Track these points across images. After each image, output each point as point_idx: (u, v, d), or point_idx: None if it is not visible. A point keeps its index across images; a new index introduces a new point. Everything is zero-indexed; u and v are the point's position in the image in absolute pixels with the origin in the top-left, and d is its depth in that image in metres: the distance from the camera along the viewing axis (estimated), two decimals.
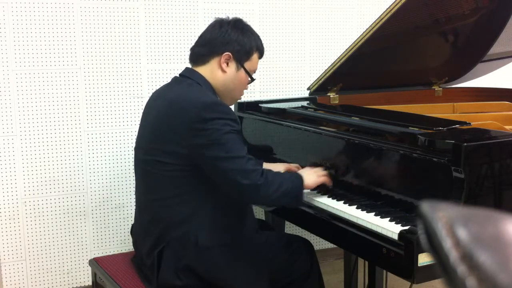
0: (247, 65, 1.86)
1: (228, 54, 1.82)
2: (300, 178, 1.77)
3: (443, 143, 1.54)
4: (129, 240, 2.00)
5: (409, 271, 1.46)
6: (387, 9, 2.04)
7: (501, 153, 1.58)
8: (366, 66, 2.41)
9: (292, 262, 1.88)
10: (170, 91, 1.82)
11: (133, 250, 1.98)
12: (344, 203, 1.77)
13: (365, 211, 1.67)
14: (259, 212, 2.71)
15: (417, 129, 1.72)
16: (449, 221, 0.41)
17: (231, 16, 1.92)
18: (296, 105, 2.40)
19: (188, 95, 1.74)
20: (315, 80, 2.45)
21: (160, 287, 1.74)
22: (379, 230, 1.56)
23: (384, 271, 1.99)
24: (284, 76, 2.93)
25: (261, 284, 1.77)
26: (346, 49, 2.21)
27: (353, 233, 1.65)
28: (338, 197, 1.82)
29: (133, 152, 1.90)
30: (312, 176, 1.83)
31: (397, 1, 2.00)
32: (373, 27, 2.09)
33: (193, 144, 1.66)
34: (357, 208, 1.71)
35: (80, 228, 2.61)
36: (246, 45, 1.84)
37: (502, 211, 0.46)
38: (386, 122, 1.88)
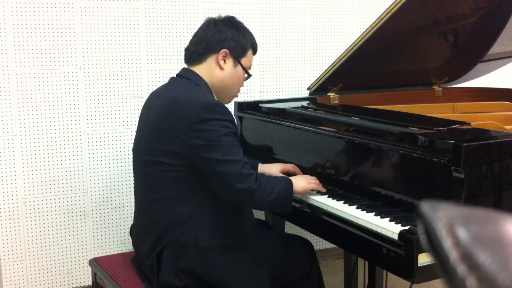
0: (244, 61, 1.88)
1: (225, 51, 1.83)
2: (290, 184, 1.78)
3: (443, 143, 1.54)
4: (129, 240, 2.00)
5: (409, 271, 1.46)
6: (387, 9, 2.04)
7: (501, 153, 1.58)
8: (366, 66, 2.41)
9: (292, 262, 1.88)
10: (169, 92, 1.82)
11: (133, 250, 1.98)
12: (344, 203, 1.77)
13: (365, 211, 1.67)
14: (259, 212, 2.71)
15: (417, 129, 1.72)
16: (449, 221, 0.41)
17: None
18: (296, 105, 2.40)
19: (187, 95, 1.74)
20: (315, 80, 2.45)
21: (160, 287, 1.74)
22: (379, 230, 1.56)
23: (384, 271, 1.99)
24: (284, 76, 2.93)
25: (261, 284, 1.77)
26: (346, 49, 2.21)
27: (353, 233, 1.66)
28: (338, 197, 1.82)
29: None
30: (302, 182, 1.84)
31: (397, 1, 2.00)
32: (373, 27, 2.09)
33: (191, 145, 1.66)
34: (357, 208, 1.71)
35: (80, 228, 2.61)
36: (242, 41, 1.86)
37: (502, 211, 0.46)
38: (386, 122, 1.88)
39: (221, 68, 1.84)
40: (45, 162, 2.51)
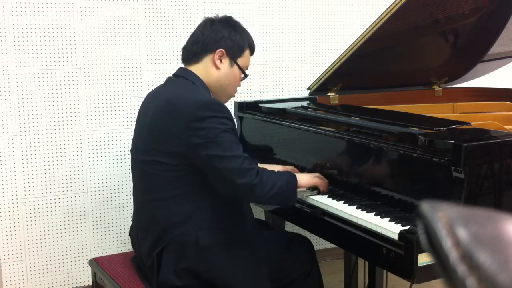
0: (240, 61, 1.88)
1: (221, 51, 1.83)
2: (293, 177, 1.78)
3: (443, 143, 1.54)
4: (129, 240, 2.00)
5: (409, 271, 1.46)
6: (387, 9, 2.04)
7: (501, 153, 1.58)
8: (366, 66, 2.41)
9: (292, 261, 1.88)
10: (166, 92, 1.82)
11: (133, 250, 1.98)
12: (344, 203, 1.77)
13: (365, 211, 1.67)
14: (259, 212, 2.71)
15: (417, 129, 1.72)
16: (449, 221, 0.41)
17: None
18: (296, 105, 2.40)
19: (184, 94, 1.75)
20: (315, 80, 2.45)
21: (160, 287, 1.74)
22: (379, 230, 1.56)
23: (384, 271, 1.99)
24: (284, 76, 2.93)
25: (262, 283, 1.77)
26: (346, 49, 2.21)
27: (353, 233, 1.66)
28: (338, 197, 1.82)
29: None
30: (306, 176, 1.85)
31: (397, 1, 2.00)
32: (373, 27, 2.09)
33: (190, 143, 1.66)
34: (357, 208, 1.71)
35: (80, 228, 2.61)
36: (238, 41, 1.86)
37: (502, 211, 0.46)
38: (386, 122, 1.88)
39: (217, 67, 1.84)
40: (45, 162, 2.51)
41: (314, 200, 1.85)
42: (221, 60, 1.84)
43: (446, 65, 2.69)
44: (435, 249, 0.40)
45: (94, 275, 2.09)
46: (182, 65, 1.91)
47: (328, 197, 1.85)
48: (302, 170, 2.05)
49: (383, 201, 1.72)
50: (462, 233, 0.39)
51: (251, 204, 2.01)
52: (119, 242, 2.69)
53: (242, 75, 1.92)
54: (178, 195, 1.74)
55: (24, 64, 2.43)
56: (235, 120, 2.18)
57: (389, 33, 2.24)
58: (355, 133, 1.90)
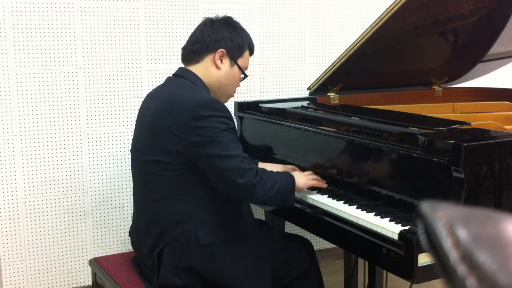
0: (240, 61, 1.88)
1: (222, 51, 1.83)
2: (292, 178, 1.79)
3: (443, 143, 1.54)
4: (129, 240, 2.00)
5: (409, 271, 1.46)
6: (387, 9, 2.04)
7: (501, 153, 1.58)
8: (366, 66, 2.41)
9: (292, 261, 1.88)
10: (166, 91, 1.83)
11: (133, 250, 1.98)
12: (344, 203, 1.77)
13: (365, 211, 1.67)
14: (259, 212, 2.71)
15: (417, 129, 1.72)
16: (449, 221, 0.41)
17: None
18: (296, 105, 2.40)
19: (184, 94, 1.75)
20: (315, 80, 2.45)
21: (161, 287, 1.74)
22: (379, 230, 1.56)
23: (384, 271, 1.99)
24: (284, 76, 2.93)
25: (262, 282, 1.78)
26: (346, 49, 2.21)
27: (353, 233, 1.66)
28: (338, 197, 1.82)
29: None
30: (302, 178, 1.85)
31: (397, 1, 2.00)
32: (373, 27, 2.09)
33: (189, 142, 1.67)
34: (357, 208, 1.71)
35: (80, 228, 2.61)
36: (238, 41, 1.87)
37: (502, 211, 0.46)
38: (386, 122, 1.88)
39: (217, 67, 1.84)
40: (45, 162, 2.51)
41: (314, 200, 1.85)
42: (221, 60, 1.85)
43: (446, 65, 2.69)
44: (435, 249, 0.40)
45: (94, 275, 2.09)
46: (182, 65, 1.91)
47: (328, 197, 1.85)
48: (303, 170, 2.05)
49: (383, 201, 1.72)
50: (462, 233, 0.39)
51: (250, 204, 2.01)
52: (119, 242, 2.69)
53: (242, 76, 1.92)
54: (178, 194, 1.74)
55: (24, 64, 2.43)
56: (234, 120, 2.18)
57: (389, 33, 2.24)
58: (355, 133, 1.90)
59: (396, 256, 1.49)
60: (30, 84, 2.45)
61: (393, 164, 1.73)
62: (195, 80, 1.83)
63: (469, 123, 1.79)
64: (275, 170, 2.00)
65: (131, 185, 1.94)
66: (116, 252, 2.46)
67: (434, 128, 1.71)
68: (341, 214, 1.72)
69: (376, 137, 1.80)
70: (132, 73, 2.61)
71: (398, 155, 1.69)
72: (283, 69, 2.92)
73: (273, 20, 2.86)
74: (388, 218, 1.59)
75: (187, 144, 1.67)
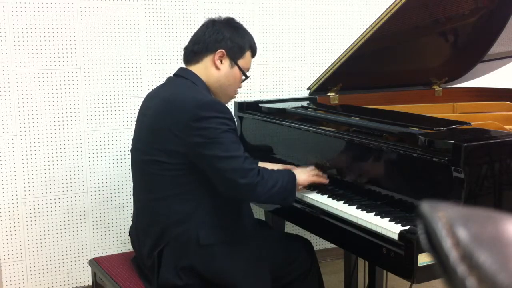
0: (241, 62, 1.88)
1: (221, 51, 1.83)
2: (293, 175, 1.79)
3: (443, 143, 1.54)
4: (129, 240, 2.00)
5: (409, 271, 1.46)
6: (387, 9, 2.04)
7: (501, 153, 1.58)
8: (366, 66, 2.41)
9: (292, 261, 1.88)
10: (166, 91, 1.83)
11: (133, 250, 1.98)
12: (344, 203, 1.77)
13: (365, 211, 1.67)
14: (259, 212, 2.71)
15: (417, 129, 1.72)
16: (449, 221, 0.41)
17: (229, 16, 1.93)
18: (296, 105, 2.40)
19: (184, 94, 1.75)
20: (315, 80, 2.45)
21: (161, 287, 1.74)
22: (379, 230, 1.56)
23: (384, 271, 1.99)
24: (284, 76, 2.93)
25: (263, 282, 1.78)
26: (346, 49, 2.21)
27: (353, 233, 1.66)
28: (338, 197, 1.82)
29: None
30: (303, 174, 1.85)
31: (397, 1, 2.00)
32: (373, 27, 2.09)
33: (191, 143, 1.67)
34: (357, 208, 1.71)
35: (80, 228, 2.61)
36: (239, 42, 1.86)
37: (502, 211, 0.46)
38: (386, 122, 1.88)
39: (217, 68, 1.84)
40: (45, 162, 2.51)
41: (314, 200, 1.85)
42: (221, 61, 1.85)
43: (446, 65, 2.69)
44: (435, 249, 0.40)
45: (94, 275, 2.09)
46: (183, 65, 1.91)
47: (328, 197, 1.85)
48: None
49: (383, 201, 1.72)
50: (462, 233, 0.39)
51: (250, 203, 2.01)
52: (119, 242, 2.69)
53: (243, 77, 1.92)
54: (178, 194, 1.74)
55: (24, 64, 2.43)
56: (235, 120, 2.18)
57: (389, 33, 2.24)
58: (355, 133, 1.90)
59: (396, 256, 1.49)
60: (30, 84, 2.45)
61: (393, 164, 1.73)
62: (195, 80, 1.83)
63: (469, 123, 1.79)
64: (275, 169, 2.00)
65: (131, 185, 1.94)
66: (116, 252, 2.46)
67: (434, 128, 1.71)
68: (341, 214, 1.72)
69: (376, 137, 1.80)
70: (132, 73, 2.61)
71: (398, 155, 1.69)
72: (283, 69, 2.92)
73: (273, 20, 2.86)
74: (388, 218, 1.59)
75: (188, 145, 1.67)
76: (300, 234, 2.29)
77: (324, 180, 1.90)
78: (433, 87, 2.75)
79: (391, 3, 2.03)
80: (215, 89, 1.87)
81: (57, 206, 2.55)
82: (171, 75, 1.92)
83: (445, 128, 1.72)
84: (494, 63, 2.75)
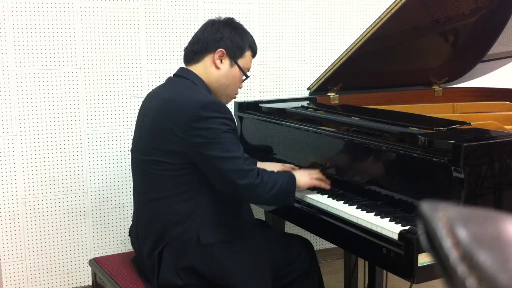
0: (241, 62, 1.88)
1: (221, 51, 1.83)
2: (293, 178, 1.79)
3: (443, 143, 1.54)
4: (129, 240, 2.00)
5: (409, 271, 1.46)
6: (387, 9, 2.04)
7: (501, 153, 1.58)
8: (366, 66, 2.40)
9: (292, 261, 1.88)
10: (166, 91, 1.83)
11: (133, 250, 1.98)
12: (344, 203, 1.77)
13: (365, 211, 1.67)
14: (259, 212, 2.71)
15: (417, 129, 1.72)
16: (449, 221, 0.41)
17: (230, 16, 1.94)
18: (296, 105, 2.40)
19: (185, 94, 1.75)
20: (315, 80, 2.45)
21: (161, 287, 1.74)
22: (379, 230, 1.56)
23: (384, 271, 1.99)
24: (284, 76, 2.93)
25: (263, 282, 1.78)
26: (346, 49, 2.21)
27: (353, 233, 1.66)
28: (338, 197, 1.82)
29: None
30: (305, 177, 1.85)
31: (397, 1, 2.00)
32: (373, 27, 2.08)
33: (191, 143, 1.67)
34: (357, 208, 1.71)
35: (80, 228, 2.61)
36: (238, 41, 1.87)
37: (502, 211, 0.46)
38: (386, 122, 1.88)
39: (217, 67, 1.84)
40: (45, 162, 2.51)
41: (314, 200, 1.85)
42: (221, 60, 1.85)
43: (446, 65, 2.68)
44: (435, 249, 0.40)
45: (94, 275, 2.09)
46: (183, 65, 1.91)
47: (328, 197, 1.85)
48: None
49: (383, 201, 1.72)
50: (462, 233, 0.39)
51: (250, 204, 2.01)
52: (119, 242, 2.69)
53: (243, 76, 1.92)
54: (178, 194, 1.74)
55: (24, 64, 2.43)
56: (235, 120, 2.18)
57: (389, 33, 2.23)
58: (355, 133, 1.90)
59: (396, 256, 1.49)
60: (30, 84, 2.45)
61: (393, 164, 1.73)
62: (195, 80, 1.83)
63: (469, 123, 1.79)
64: (273, 169, 2.00)
65: (131, 185, 1.94)
66: (116, 252, 2.46)
67: (434, 128, 1.71)
68: (341, 214, 1.72)
69: (376, 137, 1.80)
70: (132, 73, 2.61)
71: (398, 155, 1.69)
72: (283, 69, 2.92)
73: (273, 20, 2.86)
74: (388, 218, 1.59)
75: (188, 145, 1.67)
76: (300, 234, 2.29)
77: (326, 184, 1.88)
78: (433, 87, 2.75)
79: (391, 3, 2.03)
80: (215, 89, 1.87)
81: (57, 206, 2.55)
82: (171, 75, 1.92)
83: (445, 128, 1.72)
84: (494, 63, 2.75)
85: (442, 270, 0.40)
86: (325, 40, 2.98)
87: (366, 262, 2.06)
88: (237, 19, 1.94)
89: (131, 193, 1.97)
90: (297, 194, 1.86)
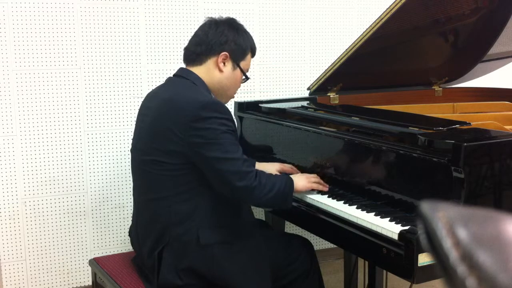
0: (242, 64, 1.88)
1: (225, 54, 1.83)
2: (291, 181, 1.79)
3: (443, 143, 1.54)
4: (129, 240, 2.00)
5: (409, 271, 1.46)
6: (387, 9, 2.04)
7: (501, 153, 1.58)
8: (366, 66, 2.41)
9: (292, 261, 1.88)
10: (166, 91, 1.82)
11: (133, 250, 1.98)
12: (344, 203, 1.77)
13: (365, 211, 1.67)
14: (259, 212, 2.71)
15: (417, 129, 1.72)
16: (449, 221, 0.41)
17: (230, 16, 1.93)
18: (296, 105, 2.40)
19: (185, 94, 1.75)
20: (315, 80, 2.45)
21: (161, 287, 1.74)
22: (379, 230, 1.56)
23: (384, 271, 1.99)
24: (284, 76, 2.93)
25: (263, 282, 1.78)
26: (346, 49, 2.21)
27: (353, 233, 1.66)
28: (338, 197, 1.82)
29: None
30: (302, 181, 1.85)
31: (397, 1, 2.00)
32: (373, 27, 2.09)
33: (190, 143, 1.67)
34: (357, 208, 1.71)
35: (80, 228, 2.61)
36: (241, 44, 1.86)
37: (502, 211, 0.46)
38: (386, 122, 1.88)
39: (220, 70, 1.84)
40: (45, 162, 2.51)
41: (314, 200, 1.85)
42: (224, 63, 1.84)
43: (446, 65, 2.69)
44: (435, 249, 0.40)
45: (94, 275, 2.09)
46: (183, 65, 1.91)
47: (328, 197, 1.85)
48: (302, 170, 2.05)
49: (383, 201, 1.72)
50: (462, 233, 0.39)
51: None
52: (119, 242, 2.69)
53: (243, 78, 1.92)
54: (178, 194, 1.74)
55: (24, 64, 2.43)
56: (235, 121, 2.18)
57: (389, 33, 2.23)
58: (355, 133, 1.90)
59: (396, 256, 1.49)
60: (30, 84, 2.45)
61: (393, 164, 1.73)
62: (196, 81, 1.82)
63: (469, 123, 1.79)
64: (272, 169, 2.00)
65: (131, 185, 1.94)
66: (116, 252, 2.46)
67: (434, 128, 1.71)
68: (341, 214, 1.72)
69: (376, 137, 1.80)
70: (132, 73, 2.61)
71: (398, 155, 1.69)
72: (283, 69, 2.92)
73: (273, 20, 2.86)
74: (388, 218, 1.59)
75: (188, 145, 1.67)
76: (300, 234, 2.29)
77: (323, 188, 1.89)
78: (433, 87, 2.75)
79: (391, 3, 2.03)
80: (217, 90, 1.87)
81: (57, 206, 2.55)
82: (171, 75, 1.92)
83: (445, 128, 1.72)
84: (494, 63, 2.75)
85: (442, 270, 0.40)
86: (325, 40, 2.98)
87: (366, 262, 2.06)
88: (237, 19, 1.94)
89: (131, 193, 1.97)
90: (297, 194, 1.86)
